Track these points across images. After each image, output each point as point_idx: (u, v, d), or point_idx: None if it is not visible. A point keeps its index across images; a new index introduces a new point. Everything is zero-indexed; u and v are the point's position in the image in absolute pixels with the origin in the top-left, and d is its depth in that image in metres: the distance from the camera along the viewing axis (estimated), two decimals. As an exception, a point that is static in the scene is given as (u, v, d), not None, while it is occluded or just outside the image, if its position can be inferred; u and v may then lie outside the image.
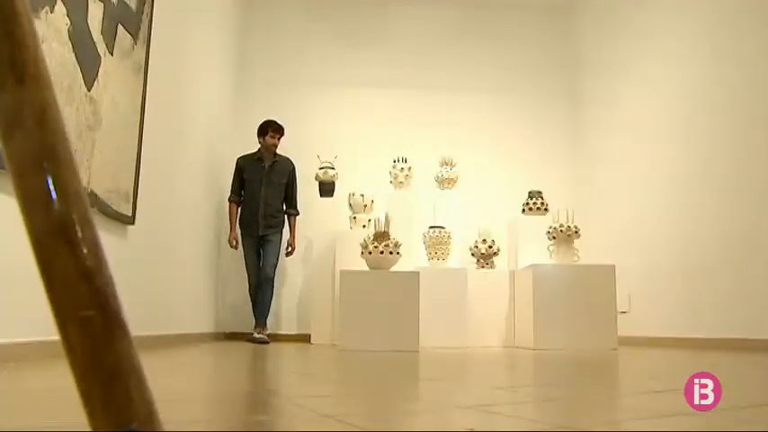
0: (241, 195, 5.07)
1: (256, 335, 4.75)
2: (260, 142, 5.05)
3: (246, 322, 5.65)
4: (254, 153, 5.09)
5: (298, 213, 5.14)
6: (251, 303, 4.97)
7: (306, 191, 5.47)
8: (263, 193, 4.95)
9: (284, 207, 5.11)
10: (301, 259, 5.74)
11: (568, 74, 6.42)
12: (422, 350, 3.76)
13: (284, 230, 5.15)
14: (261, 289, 4.87)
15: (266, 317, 4.91)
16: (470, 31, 6.41)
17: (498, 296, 4.93)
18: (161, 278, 3.89)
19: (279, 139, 5.06)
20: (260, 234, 4.93)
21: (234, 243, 5.06)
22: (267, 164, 5.01)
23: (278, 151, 5.08)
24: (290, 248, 5.17)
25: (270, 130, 5.03)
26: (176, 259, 4.23)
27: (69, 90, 2.56)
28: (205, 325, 4.95)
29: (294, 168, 5.11)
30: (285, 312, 5.70)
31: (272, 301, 5.02)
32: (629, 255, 5.05)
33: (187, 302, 4.51)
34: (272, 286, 4.92)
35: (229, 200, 5.09)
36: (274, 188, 5.00)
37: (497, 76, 6.33)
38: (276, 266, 4.94)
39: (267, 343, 4.65)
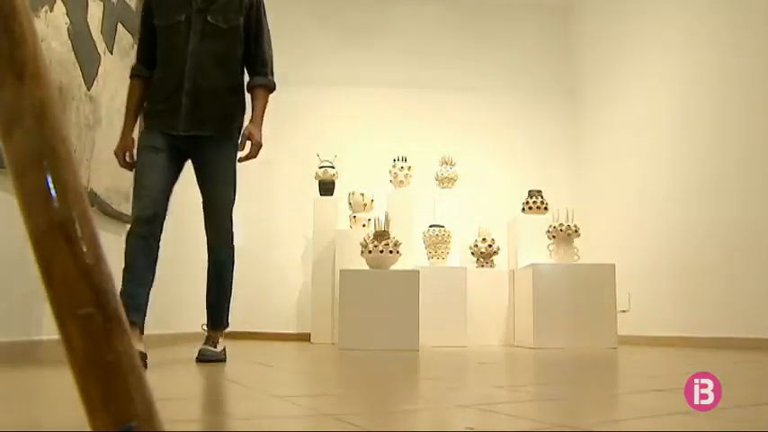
0: (154, 64, 2.56)
1: (211, 348, 2.60)
2: None
3: (247, 321, 5.65)
4: None
5: (271, 85, 2.71)
6: (124, 277, 2.31)
7: (305, 190, 5.47)
8: (191, 48, 2.50)
9: (243, 77, 2.70)
10: (301, 259, 5.74)
11: (568, 72, 6.42)
12: (421, 349, 3.76)
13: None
14: (213, 269, 2.63)
15: (226, 316, 2.72)
16: (470, 30, 6.40)
17: (498, 295, 4.93)
18: (161, 277, 3.88)
19: None
20: (181, 133, 2.48)
21: (123, 156, 2.51)
22: None
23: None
24: (247, 147, 2.61)
25: None
26: (176, 258, 4.23)
27: (69, 89, 2.56)
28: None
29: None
30: (285, 312, 5.70)
31: (232, 290, 2.70)
32: (629, 254, 5.04)
33: (187, 301, 4.50)
34: (232, 261, 2.63)
35: (132, 73, 2.61)
36: (218, 38, 2.56)
37: (497, 75, 6.33)
38: (231, 210, 2.61)
39: (223, 360, 2.62)
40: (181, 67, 2.48)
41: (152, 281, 2.43)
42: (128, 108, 2.56)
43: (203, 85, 2.51)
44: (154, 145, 2.46)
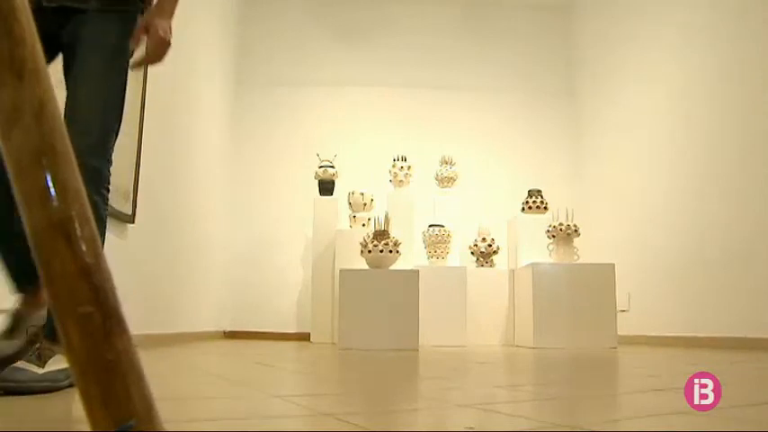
0: None
1: (33, 367, 1.31)
2: None
3: (247, 321, 5.65)
4: None
5: None
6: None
7: (305, 190, 5.47)
8: None
9: None
10: (301, 259, 5.74)
11: (568, 71, 6.42)
12: (421, 349, 3.76)
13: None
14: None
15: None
16: (470, 30, 6.41)
17: (498, 295, 4.93)
18: (160, 276, 3.89)
19: None
20: (44, 4, 1.53)
21: None
22: None
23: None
24: (143, 45, 1.65)
25: None
26: (176, 257, 4.23)
27: (69, 88, 2.55)
28: (204, 323, 4.95)
29: None
30: (285, 311, 5.70)
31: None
32: (629, 253, 5.05)
33: (186, 301, 4.50)
34: (101, 217, 1.52)
35: None
36: None
37: (497, 75, 6.33)
38: (108, 137, 1.55)
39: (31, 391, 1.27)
40: None
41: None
42: None
43: None
44: None
